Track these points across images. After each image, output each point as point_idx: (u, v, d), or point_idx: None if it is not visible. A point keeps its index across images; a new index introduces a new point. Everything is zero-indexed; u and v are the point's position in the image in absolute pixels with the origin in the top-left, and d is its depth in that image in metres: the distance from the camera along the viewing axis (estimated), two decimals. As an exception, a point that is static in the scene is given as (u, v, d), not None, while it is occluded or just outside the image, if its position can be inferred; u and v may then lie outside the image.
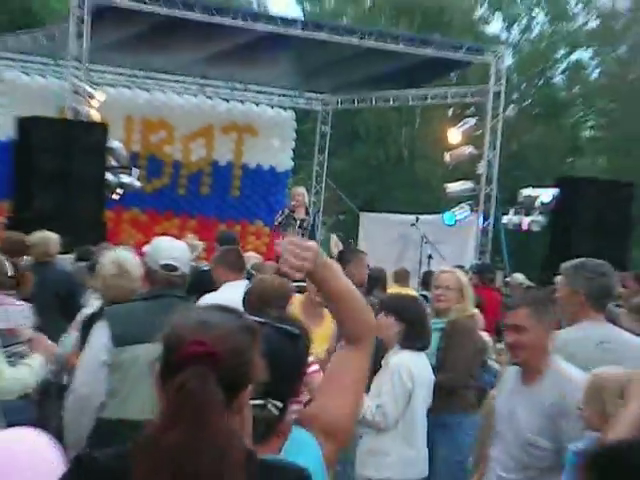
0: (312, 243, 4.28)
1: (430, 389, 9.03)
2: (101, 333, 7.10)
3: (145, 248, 8.14)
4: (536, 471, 6.82)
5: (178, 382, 3.12)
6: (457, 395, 10.04)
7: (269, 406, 3.88)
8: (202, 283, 10.90)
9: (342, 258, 12.80)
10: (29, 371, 7.79)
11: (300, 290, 9.76)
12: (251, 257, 14.34)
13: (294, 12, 60.76)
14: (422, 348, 8.67)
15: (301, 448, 4.01)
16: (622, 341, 7.47)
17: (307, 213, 21.10)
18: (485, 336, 12.50)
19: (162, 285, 7.13)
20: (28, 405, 8.76)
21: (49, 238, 12.21)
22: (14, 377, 7.64)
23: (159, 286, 7.16)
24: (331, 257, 7.06)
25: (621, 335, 7.71)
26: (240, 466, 3.14)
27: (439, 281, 10.45)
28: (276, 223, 21.50)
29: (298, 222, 21.34)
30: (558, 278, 13.87)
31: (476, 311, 11.13)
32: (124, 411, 6.65)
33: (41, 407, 9.15)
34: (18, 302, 9.09)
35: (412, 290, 16.04)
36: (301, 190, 23.95)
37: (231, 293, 8.75)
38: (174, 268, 7.10)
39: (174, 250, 7.35)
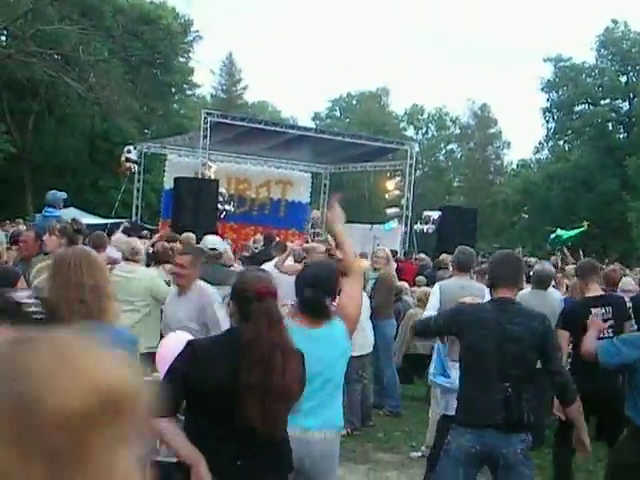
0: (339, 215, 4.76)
1: (368, 308, 8.85)
2: None
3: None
4: None
5: (265, 307, 3.13)
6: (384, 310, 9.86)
7: (325, 299, 3.99)
8: (255, 257, 10.93)
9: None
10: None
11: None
12: (292, 245, 14.35)
13: (311, 123, 60.89)
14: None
15: (337, 324, 4.06)
16: (471, 285, 7.49)
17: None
18: (404, 284, 12.40)
19: (209, 257, 7.32)
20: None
21: (190, 236, 12.22)
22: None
23: (208, 258, 7.35)
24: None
25: (472, 283, 7.75)
26: (290, 340, 3.24)
27: (376, 253, 10.43)
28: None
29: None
30: (444, 255, 13.85)
31: (393, 272, 11.00)
32: None
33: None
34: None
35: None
36: (317, 212, 24.22)
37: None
38: (214, 249, 7.26)
39: (215, 240, 7.55)
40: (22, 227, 11.84)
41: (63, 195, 12.17)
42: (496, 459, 4.39)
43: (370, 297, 9.28)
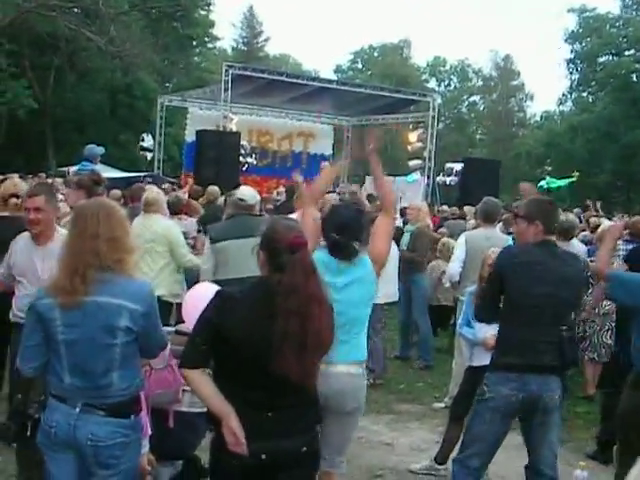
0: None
1: (396, 257, 8.40)
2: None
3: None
4: None
5: (299, 258, 3.09)
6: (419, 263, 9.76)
7: (354, 244, 4.11)
8: (278, 209, 10.78)
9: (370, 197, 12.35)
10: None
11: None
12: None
13: (333, 76, 60.35)
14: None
15: (366, 263, 4.20)
16: (496, 236, 7.42)
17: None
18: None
19: (238, 209, 7.09)
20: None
21: (214, 189, 12.10)
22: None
23: (237, 210, 7.13)
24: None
25: (496, 233, 7.70)
26: (325, 291, 3.19)
27: (410, 206, 10.36)
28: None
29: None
30: (466, 207, 13.76)
31: (429, 222, 10.87)
32: (222, 274, 6.59)
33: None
34: (189, 219, 9.16)
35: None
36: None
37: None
38: (243, 200, 7.03)
39: (245, 191, 7.30)
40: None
41: (100, 150, 12.15)
42: (535, 405, 4.31)
43: (407, 249, 9.24)
